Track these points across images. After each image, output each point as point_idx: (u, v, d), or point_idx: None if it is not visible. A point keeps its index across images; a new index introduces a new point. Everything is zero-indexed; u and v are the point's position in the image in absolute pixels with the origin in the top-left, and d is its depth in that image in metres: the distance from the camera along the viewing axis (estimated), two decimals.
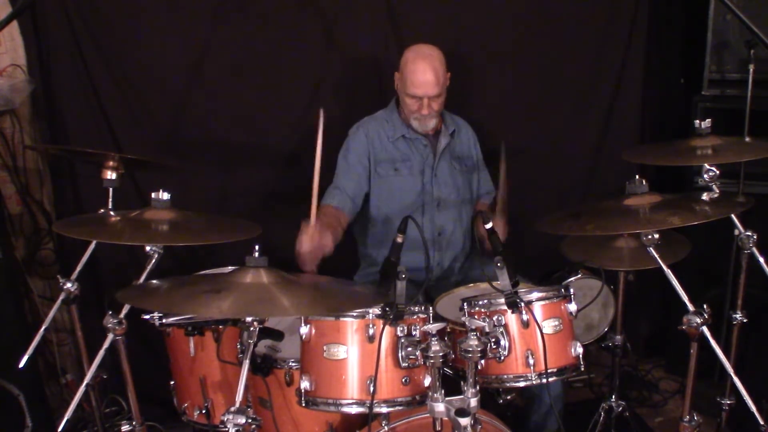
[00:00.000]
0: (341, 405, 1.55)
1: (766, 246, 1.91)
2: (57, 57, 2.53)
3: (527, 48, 2.90)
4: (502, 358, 1.63)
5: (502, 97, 2.92)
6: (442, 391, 1.45)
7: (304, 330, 1.59)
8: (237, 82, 2.70)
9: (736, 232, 1.88)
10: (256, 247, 1.50)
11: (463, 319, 1.60)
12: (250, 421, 1.43)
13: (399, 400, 1.55)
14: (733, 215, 1.82)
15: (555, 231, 1.83)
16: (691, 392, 1.76)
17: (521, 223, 2.41)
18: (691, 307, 1.64)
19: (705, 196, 1.80)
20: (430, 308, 1.63)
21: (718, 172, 1.84)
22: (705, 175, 1.85)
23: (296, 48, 2.71)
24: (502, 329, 1.63)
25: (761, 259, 1.89)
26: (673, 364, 3.00)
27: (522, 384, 1.65)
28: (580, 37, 2.92)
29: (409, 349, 1.53)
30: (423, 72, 2.26)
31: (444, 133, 2.46)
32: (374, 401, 1.52)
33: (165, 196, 1.81)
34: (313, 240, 1.96)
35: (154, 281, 1.69)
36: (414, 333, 1.56)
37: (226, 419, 1.42)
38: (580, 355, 1.70)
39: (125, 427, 1.97)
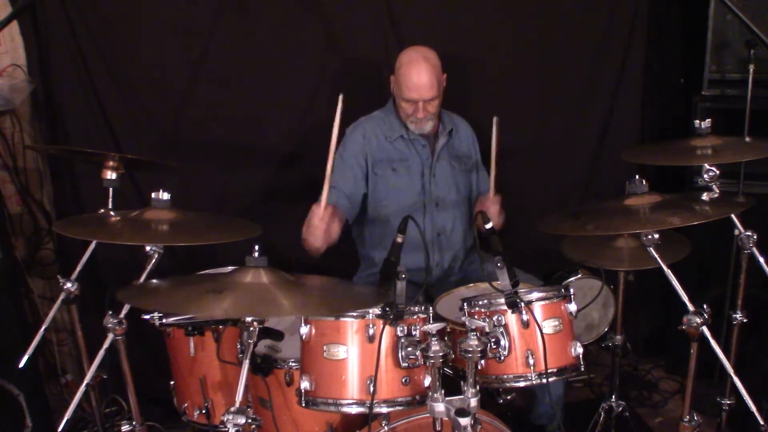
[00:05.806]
0: (341, 405, 1.55)
1: (766, 246, 1.91)
2: (57, 57, 2.53)
3: (527, 48, 2.90)
4: (502, 358, 1.63)
5: (502, 97, 2.92)
6: (442, 391, 1.45)
7: (304, 330, 1.59)
8: (237, 82, 2.70)
9: (736, 232, 1.88)
10: (256, 247, 1.50)
11: (463, 319, 1.60)
12: (250, 421, 1.43)
13: (399, 400, 1.56)
14: (733, 215, 1.82)
15: (555, 231, 1.84)
16: (691, 392, 1.76)
17: (521, 223, 2.40)
18: (691, 307, 1.65)
19: (705, 196, 1.80)
20: (430, 308, 1.63)
21: (718, 172, 1.84)
22: (705, 175, 1.85)
23: (296, 48, 2.71)
24: (502, 329, 1.63)
25: (761, 259, 1.89)
26: (673, 364, 3.00)
27: (522, 384, 1.65)
28: (580, 37, 2.92)
29: (409, 349, 1.53)
30: (417, 76, 2.25)
31: (442, 132, 2.45)
32: (374, 401, 1.52)
33: (165, 196, 1.81)
34: (324, 218, 1.97)
35: (154, 281, 1.69)
36: (414, 333, 1.56)
37: (226, 419, 1.42)
38: (580, 355, 1.70)
39: (125, 427, 1.97)
